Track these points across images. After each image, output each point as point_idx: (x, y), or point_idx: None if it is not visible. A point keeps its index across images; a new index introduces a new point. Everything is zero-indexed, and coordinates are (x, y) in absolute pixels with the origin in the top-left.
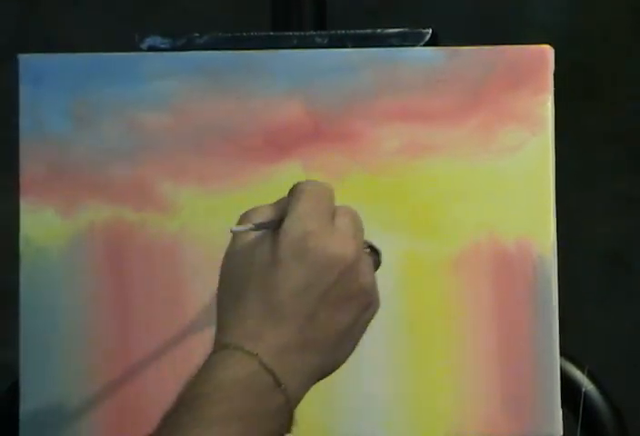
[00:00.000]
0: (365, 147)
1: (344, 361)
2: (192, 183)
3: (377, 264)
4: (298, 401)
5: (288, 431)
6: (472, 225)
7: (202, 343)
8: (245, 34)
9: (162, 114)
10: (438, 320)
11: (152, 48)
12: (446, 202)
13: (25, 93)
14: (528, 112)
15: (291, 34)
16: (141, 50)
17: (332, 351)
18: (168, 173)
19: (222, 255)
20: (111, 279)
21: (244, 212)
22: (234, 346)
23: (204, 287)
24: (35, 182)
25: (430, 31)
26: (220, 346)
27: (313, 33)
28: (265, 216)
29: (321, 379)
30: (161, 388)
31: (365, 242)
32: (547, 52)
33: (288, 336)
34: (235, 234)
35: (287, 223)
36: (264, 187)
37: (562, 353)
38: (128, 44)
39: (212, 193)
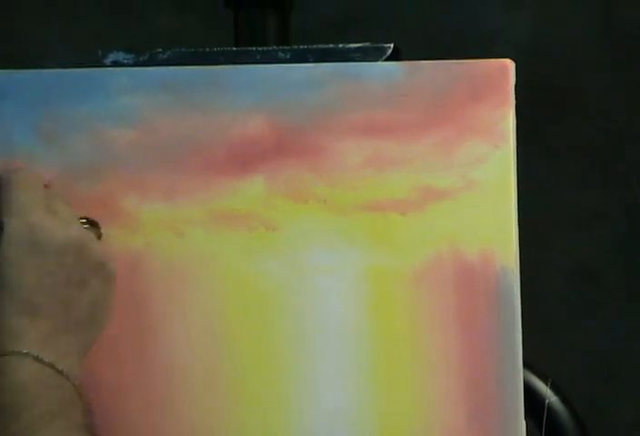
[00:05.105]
0: (329, 162)
1: (100, 333)
2: (156, 198)
3: (99, 236)
4: (79, 381)
5: (88, 416)
6: (434, 238)
7: (165, 355)
8: (207, 49)
9: (126, 130)
10: (401, 334)
11: (115, 64)
12: (409, 215)
13: None
14: (490, 125)
15: (254, 49)
16: (105, 66)
17: (89, 326)
18: (132, 189)
19: (186, 270)
20: None
21: None
22: (1, 353)
23: (167, 301)
24: None
25: (392, 46)
26: None
27: (275, 48)
28: None
29: (86, 355)
30: (117, 393)
31: (81, 218)
32: (508, 66)
33: (47, 325)
34: None
35: (7, 220)
36: (228, 202)
37: (526, 365)
38: (94, 59)
39: (176, 207)
